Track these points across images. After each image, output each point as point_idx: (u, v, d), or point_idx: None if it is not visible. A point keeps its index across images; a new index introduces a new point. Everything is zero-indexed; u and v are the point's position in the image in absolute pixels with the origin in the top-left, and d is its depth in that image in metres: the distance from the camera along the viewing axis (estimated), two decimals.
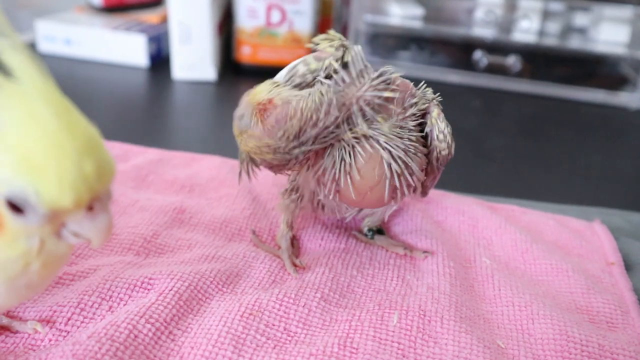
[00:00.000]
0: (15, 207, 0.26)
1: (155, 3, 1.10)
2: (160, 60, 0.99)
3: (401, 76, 0.42)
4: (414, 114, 0.41)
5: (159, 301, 0.38)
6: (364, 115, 0.39)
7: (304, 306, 0.40)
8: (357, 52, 0.40)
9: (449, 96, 1.00)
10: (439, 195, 0.57)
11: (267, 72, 0.97)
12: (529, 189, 0.66)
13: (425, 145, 0.42)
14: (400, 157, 0.39)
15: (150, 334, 0.36)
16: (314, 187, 0.43)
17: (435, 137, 0.42)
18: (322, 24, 1.05)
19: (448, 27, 1.04)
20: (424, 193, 0.47)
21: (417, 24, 1.02)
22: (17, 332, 0.36)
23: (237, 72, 0.97)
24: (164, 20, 1.01)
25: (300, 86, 0.42)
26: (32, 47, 1.01)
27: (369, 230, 0.50)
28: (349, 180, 0.40)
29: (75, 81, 0.90)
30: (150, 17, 1.04)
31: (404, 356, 0.37)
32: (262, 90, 0.41)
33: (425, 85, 0.44)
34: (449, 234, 0.52)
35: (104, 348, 0.34)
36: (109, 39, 0.97)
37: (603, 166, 0.75)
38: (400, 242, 0.50)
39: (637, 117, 0.93)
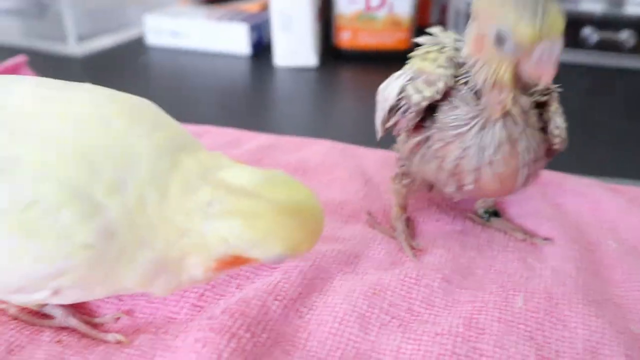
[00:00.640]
0: None
1: None
2: (261, 48, 1.01)
3: None
4: (537, 101, 0.40)
5: (284, 279, 0.39)
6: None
7: (425, 287, 0.40)
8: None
9: (557, 76, 0.95)
10: (557, 178, 0.55)
11: (367, 56, 0.98)
12: None
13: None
14: (533, 143, 0.39)
15: (279, 311, 0.37)
16: (441, 178, 0.42)
17: (551, 132, 0.41)
18: (422, 6, 1.04)
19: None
20: None
21: None
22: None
23: (337, 58, 0.98)
24: (265, 9, 1.03)
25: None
26: (141, 40, 1.05)
27: (485, 212, 0.49)
28: (492, 170, 0.39)
29: (182, 71, 0.94)
30: (251, 6, 1.06)
31: (532, 338, 0.36)
32: None
33: None
34: (569, 217, 0.50)
35: (237, 323, 0.35)
36: (212, 30, 1.00)
37: None
38: (518, 224, 0.49)
39: None
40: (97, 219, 0.30)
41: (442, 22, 1.03)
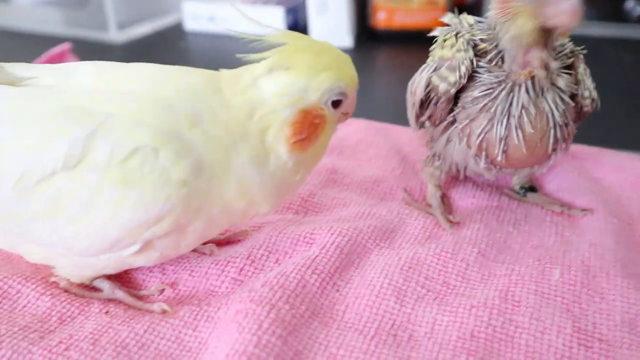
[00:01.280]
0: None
1: None
2: (298, 31, 1.01)
3: None
4: (563, 66, 0.40)
5: (322, 254, 0.40)
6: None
7: (461, 260, 0.41)
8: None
9: (598, 52, 0.94)
10: (595, 152, 0.54)
11: (403, 36, 0.97)
12: None
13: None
14: (561, 106, 0.39)
15: (317, 284, 0.38)
16: (470, 158, 0.42)
17: (581, 94, 0.41)
18: None
19: None
20: None
21: None
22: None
23: (373, 39, 0.98)
24: None
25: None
26: (179, 26, 1.07)
27: (521, 188, 0.49)
28: (520, 135, 0.39)
29: (221, 56, 0.95)
30: None
31: (568, 310, 0.37)
32: None
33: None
34: (609, 191, 0.49)
35: (277, 295, 0.36)
36: (248, 13, 1.00)
37: None
38: (556, 199, 0.49)
39: None
40: (189, 155, 0.33)
41: (478, 1, 1.02)
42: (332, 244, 0.41)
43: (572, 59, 0.41)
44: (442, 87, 0.41)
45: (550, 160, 0.43)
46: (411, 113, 0.46)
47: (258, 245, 0.42)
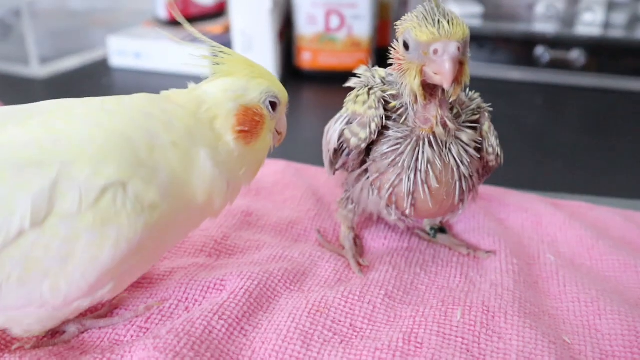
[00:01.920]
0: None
1: (218, 14, 1.14)
2: None
3: None
4: (469, 120, 0.42)
5: (230, 299, 0.40)
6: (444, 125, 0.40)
7: (368, 303, 0.42)
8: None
9: (511, 94, 0.99)
10: (501, 193, 0.57)
11: (327, 77, 1.00)
12: (596, 185, 0.65)
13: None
14: (466, 159, 0.41)
15: (223, 330, 0.38)
16: (382, 209, 0.44)
17: (485, 150, 0.43)
18: (381, 27, 1.06)
19: (508, 24, 1.03)
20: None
21: (476, 22, 1.02)
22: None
23: (298, 78, 1.00)
24: (227, 30, 1.04)
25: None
26: (105, 62, 1.06)
27: (432, 229, 0.51)
28: (426, 190, 0.41)
29: (145, 92, 0.95)
30: (213, 27, 1.08)
31: (468, 351, 0.38)
32: None
33: (475, 91, 0.45)
34: (511, 231, 0.52)
35: (182, 342, 0.36)
36: (175, 51, 1.01)
37: None
38: (463, 240, 0.51)
39: None
40: (156, 178, 0.35)
41: None
42: (241, 289, 0.41)
43: (477, 116, 0.43)
44: (353, 141, 0.43)
45: (459, 210, 0.45)
46: (326, 159, 0.47)
47: (168, 295, 0.42)
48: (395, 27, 0.39)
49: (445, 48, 0.35)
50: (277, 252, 0.47)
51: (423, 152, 0.40)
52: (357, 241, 0.50)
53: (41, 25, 1.02)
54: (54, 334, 0.39)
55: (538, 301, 0.43)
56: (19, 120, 0.34)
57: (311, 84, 0.98)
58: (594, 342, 0.39)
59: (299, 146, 0.78)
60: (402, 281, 0.45)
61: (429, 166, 0.40)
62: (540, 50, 0.98)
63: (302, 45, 0.97)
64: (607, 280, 0.46)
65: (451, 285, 0.45)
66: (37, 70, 1.00)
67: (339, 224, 0.52)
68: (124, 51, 1.04)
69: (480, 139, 0.43)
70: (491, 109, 0.44)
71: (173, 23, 1.10)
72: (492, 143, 0.43)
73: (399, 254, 0.48)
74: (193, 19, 1.11)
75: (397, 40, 0.39)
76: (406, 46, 0.37)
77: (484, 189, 0.57)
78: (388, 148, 0.42)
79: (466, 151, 0.41)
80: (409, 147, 0.40)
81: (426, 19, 0.36)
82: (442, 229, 0.51)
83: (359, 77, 0.45)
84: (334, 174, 0.48)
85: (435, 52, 0.35)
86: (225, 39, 1.02)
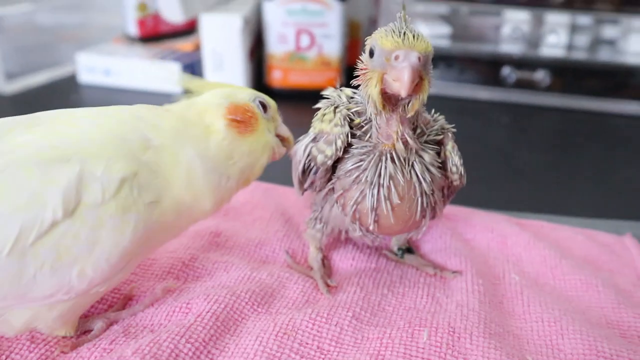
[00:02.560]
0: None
1: (189, 31, 1.14)
2: None
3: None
4: (432, 140, 0.43)
5: (197, 322, 0.40)
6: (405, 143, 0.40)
7: (336, 325, 0.42)
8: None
9: (478, 113, 1.01)
10: (468, 213, 0.58)
11: (298, 95, 1.00)
12: (559, 204, 0.66)
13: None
14: (428, 177, 0.41)
15: (190, 353, 0.38)
16: (347, 224, 0.44)
17: (449, 169, 0.44)
18: (351, 46, 1.07)
19: (475, 45, 1.05)
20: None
21: (444, 42, 1.03)
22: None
23: (268, 96, 1.00)
24: (198, 48, 1.04)
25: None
26: (73, 78, 1.05)
27: (399, 249, 0.51)
28: (388, 206, 0.41)
29: None
30: (184, 45, 1.08)
31: None
32: None
33: (439, 113, 0.45)
34: (477, 252, 0.53)
35: None
36: (145, 68, 1.01)
37: (635, 179, 0.74)
38: (430, 260, 0.51)
39: None
40: (152, 175, 0.38)
41: None
42: (207, 312, 0.41)
43: (441, 136, 0.44)
44: (320, 158, 0.43)
45: (422, 227, 0.45)
46: (295, 179, 0.47)
47: (134, 323, 0.42)
48: (365, 41, 0.40)
49: (407, 56, 0.36)
50: (245, 273, 0.47)
51: (385, 168, 0.41)
52: (326, 262, 0.50)
53: (8, 41, 1.01)
54: (83, 334, 0.41)
55: (503, 321, 0.44)
56: (25, 127, 0.36)
57: (281, 102, 0.97)
58: None
59: (268, 165, 0.78)
60: (369, 302, 0.45)
61: (391, 182, 0.41)
62: (506, 71, 1.00)
63: (273, 63, 0.98)
64: (570, 299, 0.47)
65: (418, 306, 0.45)
66: (3, 86, 0.98)
67: (308, 245, 0.52)
68: (93, 68, 1.03)
69: (442, 161, 0.44)
70: (455, 130, 0.45)
71: (143, 40, 1.09)
72: (456, 162, 0.44)
73: (367, 275, 0.48)
74: (164, 37, 1.11)
75: (364, 52, 0.40)
76: (371, 53, 0.38)
77: (451, 209, 0.58)
78: (352, 165, 0.42)
79: (428, 169, 0.42)
80: (371, 163, 0.41)
81: (393, 31, 0.37)
82: (409, 249, 0.52)
83: (327, 98, 0.46)
84: (302, 193, 0.48)
85: (397, 58, 0.36)
86: (195, 57, 1.02)
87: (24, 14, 1.08)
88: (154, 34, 1.10)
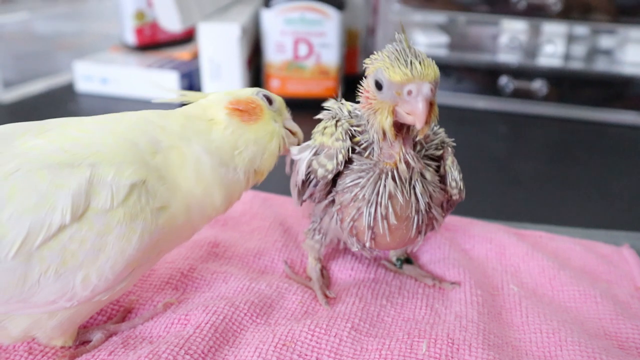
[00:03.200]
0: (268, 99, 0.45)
1: (186, 40, 1.14)
2: None
3: None
4: (431, 154, 0.43)
5: (196, 334, 0.40)
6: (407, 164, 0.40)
7: (335, 336, 0.42)
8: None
9: (476, 122, 1.01)
10: (466, 223, 0.58)
11: (295, 104, 1.00)
12: (557, 214, 0.66)
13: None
14: (426, 196, 0.41)
15: None
16: (345, 238, 0.44)
17: (449, 184, 0.44)
18: (349, 55, 1.08)
19: (473, 54, 1.05)
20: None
21: (442, 52, 1.04)
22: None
23: None
24: (195, 57, 1.05)
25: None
26: (70, 87, 1.05)
27: (398, 259, 0.51)
28: (385, 225, 0.41)
29: None
30: (181, 53, 1.08)
31: None
32: None
33: (439, 126, 0.45)
34: (476, 262, 0.53)
35: None
36: (142, 77, 1.01)
37: (632, 189, 0.75)
38: (429, 271, 0.51)
39: None
40: (164, 180, 0.38)
41: None
42: (206, 323, 0.41)
43: (441, 150, 0.44)
44: (320, 172, 0.43)
45: (419, 242, 0.45)
46: (294, 190, 0.47)
47: (132, 333, 0.42)
48: (364, 64, 0.40)
49: (419, 89, 0.36)
50: (244, 284, 0.47)
51: (385, 186, 0.41)
52: (324, 272, 0.50)
53: (6, 49, 1.01)
54: (82, 344, 0.41)
55: (501, 332, 0.44)
56: (35, 132, 0.37)
57: None
58: None
59: (267, 175, 0.79)
60: (368, 313, 0.45)
61: (389, 201, 0.41)
62: (504, 80, 1.01)
63: (271, 72, 0.98)
64: (568, 310, 0.47)
65: (417, 317, 0.45)
66: (0, 94, 0.98)
67: (306, 255, 0.52)
68: (90, 76, 1.03)
69: (442, 172, 0.44)
70: (454, 144, 0.45)
71: (141, 49, 1.10)
72: (455, 177, 0.44)
73: (366, 285, 0.48)
74: (161, 45, 1.11)
75: (365, 78, 0.40)
76: (378, 85, 0.38)
77: (449, 219, 0.58)
78: (350, 181, 0.42)
79: (428, 187, 0.42)
80: (370, 180, 0.41)
81: (398, 60, 0.36)
82: (408, 260, 0.52)
83: (328, 110, 0.46)
84: (300, 205, 0.48)
85: (409, 93, 0.36)
86: (193, 66, 1.03)
87: (22, 22, 1.09)
88: (152, 43, 1.11)
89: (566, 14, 0.96)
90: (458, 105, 1.02)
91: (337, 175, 0.43)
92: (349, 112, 0.45)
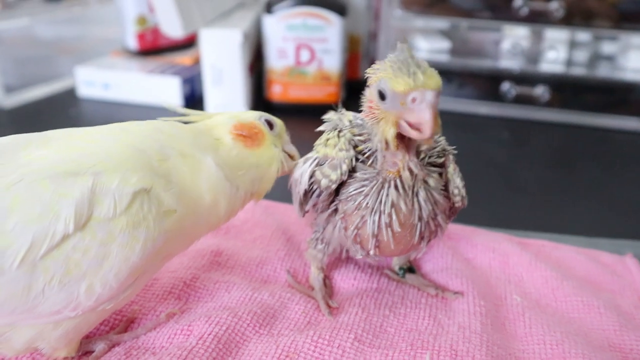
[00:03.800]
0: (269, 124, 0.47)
1: (188, 45, 1.14)
2: (194, 101, 1.03)
3: None
4: (433, 162, 0.43)
5: (199, 345, 0.40)
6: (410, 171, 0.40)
7: (338, 347, 0.42)
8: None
9: (478, 128, 1.01)
10: (469, 232, 0.58)
11: (298, 109, 1.00)
12: (560, 222, 0.66)
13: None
14: (430, 204, 0.41)
15: None
16: (349, 245, 0.44)
17: (451, 192, 0.44)
18: (351, 60, 1.08)
19: (475, 60, 1.05)
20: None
21: (444, 57, 1.04)
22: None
23: (268, 110, 0.99)
24: (197, 62, 1.05)
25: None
26: (72, 92, 1.05)
27: (400, 268, 0.51)
28: (389, 233, 0.41)
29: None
30: (183, 59, 1.08)
31: None
32: None
33: (440, 135, 0.45)
34: (479, 272, 0.52)
35: None
36: (144, 82, 1.01)
37: (635, 196, 0.74)
38: (431, 280, 0.51)
39: None
40: (170, 186, 0.38)
41: None
42: (209, 334, 0.41)
43: (443, 158, 0.44)
44: (324, 182, 0.43)
45: (422, 248, 0.45)
46: (296, 201, 0.47)
47: (136, 346, 0.41)
48: (366, 74, 0.40)
49: (423, 96, 0.36)
50: (247, 294, 0.47)
51: (387, 195, 0.40)
52: (327, 282, 0.50)
53: (7, 54, 1.01)
54: (84, 355, 0.41)
55: (505, 343, 0.43)
56: (40, 143, 0.37)
57: (281, 117, 0.98)
58: None
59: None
60: (371, 324, 0.45)
61: (392, 209, 0.40)
62: (506, 86, 1.01)
63: (273, 78, 0.98)
64: (572, 321, 0.46)
65: (420, 328, 0.45)
66: (2, 99, 0.98)
67: (309, 264, 0.52)
68: (92, 81, 1.03)
69: (444, 180, 0.44)
70: (456, 151, 0.45)
71: (142, 54, 1.10)
72: (458, 185, 0.44)
73: (368, 295, 0.48)
74: (163, 50, 1.11)
75: (368, 87, 0.40)
76: (381, 96, 0.38)
77: (452, 228, 0.58)
78: (354, 190, 0.42)
79: (433, 195, 0.42)
80: (374, 189, 0.41)
81: (401, 70, 0.36)
82: (411, 269, 0.52)
83: (328, 122, 0.46)
84: (303, 215, 0.48)
85: (414, 100, 0.36)
86: (194, 71, 1.03)
87: (23, 27, 1.09)
88: (153, 48, 1.11)
89: (568, 20, 0.95)
90: (460, 111, 1.02)
91: (341, 184, 0.43)
92: (350, 121, 0.45)
